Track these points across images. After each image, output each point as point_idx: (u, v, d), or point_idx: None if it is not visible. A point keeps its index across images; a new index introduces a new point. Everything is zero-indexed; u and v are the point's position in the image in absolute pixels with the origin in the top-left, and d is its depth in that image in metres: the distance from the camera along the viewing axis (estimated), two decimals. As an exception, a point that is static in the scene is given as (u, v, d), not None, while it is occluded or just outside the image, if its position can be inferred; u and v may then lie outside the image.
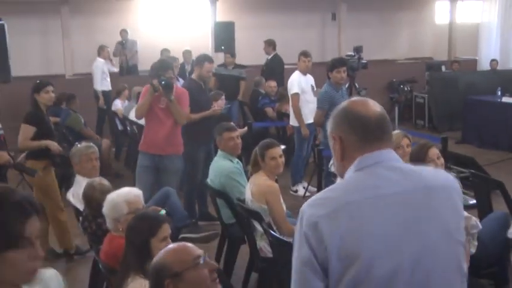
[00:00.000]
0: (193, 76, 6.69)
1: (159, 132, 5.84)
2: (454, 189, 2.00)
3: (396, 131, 5.05)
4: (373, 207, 1.84)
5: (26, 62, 11.78)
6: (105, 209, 3.66)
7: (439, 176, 2.03)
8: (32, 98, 5.83)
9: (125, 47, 12.38)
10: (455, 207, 1.96)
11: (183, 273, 2.32)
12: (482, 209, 5.19)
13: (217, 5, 13.10)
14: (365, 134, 1.95)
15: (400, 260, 1.81)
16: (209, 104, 6.67)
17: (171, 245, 2.48)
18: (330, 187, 1.99)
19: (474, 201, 5.57)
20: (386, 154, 1.96)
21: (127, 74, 12.17)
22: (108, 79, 11.09)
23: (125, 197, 3.67)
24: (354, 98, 2.17)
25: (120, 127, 9.75)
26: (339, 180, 2.20)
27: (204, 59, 6.58)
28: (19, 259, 1.62)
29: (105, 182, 4.33)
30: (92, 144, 5.21)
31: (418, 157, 4.30)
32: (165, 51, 11.24)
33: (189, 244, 2.46)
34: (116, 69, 12.23)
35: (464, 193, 5.23)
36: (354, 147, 1.96)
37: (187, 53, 11.69)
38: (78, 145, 5.22)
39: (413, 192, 1.90)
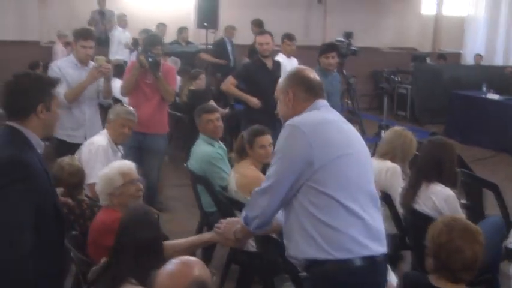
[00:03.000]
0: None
1: (144, 109, 5.56)
2: None
3: (399, 128, 4.83)
4: (346, 126, 2.89)
5: (-1, 26, 11.32)
6: (99, 186, 3.45)
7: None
8: None
9: (103, 17, 11.91)
10: None
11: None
12: (474, 211, 4.99)
13: (201, -20, 12.68)
14: (311, 90, 2.89)
15: (353, 150, 2.80)
16: (271, 86, 6.17)
17: (184, 261, 2.09)
18: (309, 114, 2.85)
19: (463, 201, 5.36)
20: (325, 101, 2.93)
21: (105, 45, 11.68)
22: (125, 49, 11.05)
23: (119, 169, 3.47)
24: (301, 66, 3.16)
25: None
26: None
27: (256, 34, 6.68)
28: None
29: (75, 161, 4.02)
30: (134, 112, 4.89)
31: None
32: (161, 25, 10.95)
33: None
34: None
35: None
36: (302, 98, 2.88)
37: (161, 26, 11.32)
38: (121, 106, 5.06)
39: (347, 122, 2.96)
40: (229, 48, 10.77)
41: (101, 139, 4.55)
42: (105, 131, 4.73)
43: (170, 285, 2.00)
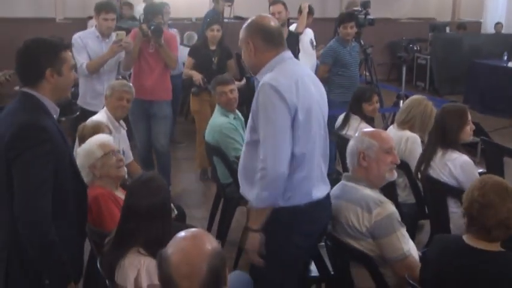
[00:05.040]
0: None
1: (148, 77, 5.73)
2: None
3: (418, 96, 4.77)
4: (308, 80, 2.98)
5: (12, 2, 11.27)
6: (79, 161, 3.37)
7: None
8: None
9: None
10: None
11: None
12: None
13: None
14: (271, 40, 2.93)
15: (317, 105, 2.97)
16: None
17: (195, 235, 2.05)
18: (278, 72, 2.88)
19: (481, 169, 5.29)
20: (289, 52, 3.03)
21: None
22: None
23: (97, 141, 3.50)
24: (260, 15, 3.07)
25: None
26: None
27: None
28: None
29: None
30: (129, 84, 4.93)
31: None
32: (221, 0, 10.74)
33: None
34: None
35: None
36: (264, 48, 2.93)
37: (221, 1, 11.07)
38: (116, 80, 5.17)
39: (310, 73, 3.17)
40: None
41: (99, 117, 4.56)
42: (104, 109, 4.73)
43: (188, 263, 1.95)
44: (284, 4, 6.48)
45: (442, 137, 4.02)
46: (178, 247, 1.98)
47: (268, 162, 2.77)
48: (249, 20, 3.02)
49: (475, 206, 2.55)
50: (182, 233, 2.04)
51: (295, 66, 3.01)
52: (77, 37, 5.50)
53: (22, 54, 2.71)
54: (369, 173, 3.14)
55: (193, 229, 2.10)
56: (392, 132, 4.60)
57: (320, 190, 3.01)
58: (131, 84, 5.00)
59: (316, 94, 2.98)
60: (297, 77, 2.88)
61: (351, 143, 3.23)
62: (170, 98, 5.97)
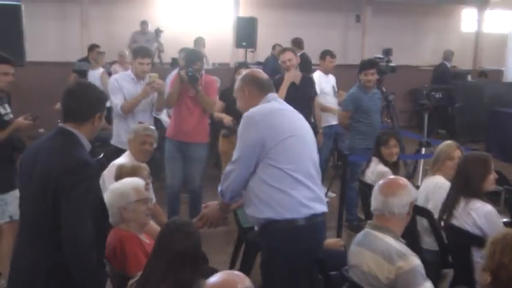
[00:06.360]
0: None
1: (188, 120, 5.93)
2: None
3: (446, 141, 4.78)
4: (288, 113, 3.53)
5: (42, 47, 11.55)
6: (109, 199, 3.36)
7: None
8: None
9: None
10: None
11: None
12: (518, 229, 4.85)
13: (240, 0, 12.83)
14: (261, 87, 3.55)
15: (298, 132, 3.44)
16: (295, 100, 5.33)
17: (229, 273, 2.12)
18: (261, 106, 3.46)
19: (505, 219, 5.22)
20: (274, 94, 3.61)
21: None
22: None
23: (132, 184, 3.52)
24: (251, 69, 3.89)
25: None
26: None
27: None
28: None
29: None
30: (152, 128, 5.05)
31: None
32: (200, 39, 10.94)
33: None
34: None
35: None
36: (256, 92, 3.52)
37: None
38: (140, 124, 5.30)
39: (293, 111, 3.60)
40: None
41: (122, 160, 4.61)
42: (127, 153, 4.82)
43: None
44: (293, 51, 6.69)
45: (464, 185, 3.98)
46: (211, 284, 2.04)
47: (236, 164, 3.36)
48: (243, 73, 3.70)
49: (505, 272, 2.53)
50: (216, 274, 2.10)
51: (277, 104, 3.55)
52: (114, 80, 5.85)
53: (77, 94, 2.97)
54: (406, 221, 3.21)
55: (228, 271, 2.16)
56: (425, 181, 4.65)
57: (314, 208, 3.33)
58: (153, 128, 5.08)
59: (303, 128, 3.52)
60: (276, 108, 3.47)
61: (401, 197, 3.17)
62: (207, 141, 6.17)
